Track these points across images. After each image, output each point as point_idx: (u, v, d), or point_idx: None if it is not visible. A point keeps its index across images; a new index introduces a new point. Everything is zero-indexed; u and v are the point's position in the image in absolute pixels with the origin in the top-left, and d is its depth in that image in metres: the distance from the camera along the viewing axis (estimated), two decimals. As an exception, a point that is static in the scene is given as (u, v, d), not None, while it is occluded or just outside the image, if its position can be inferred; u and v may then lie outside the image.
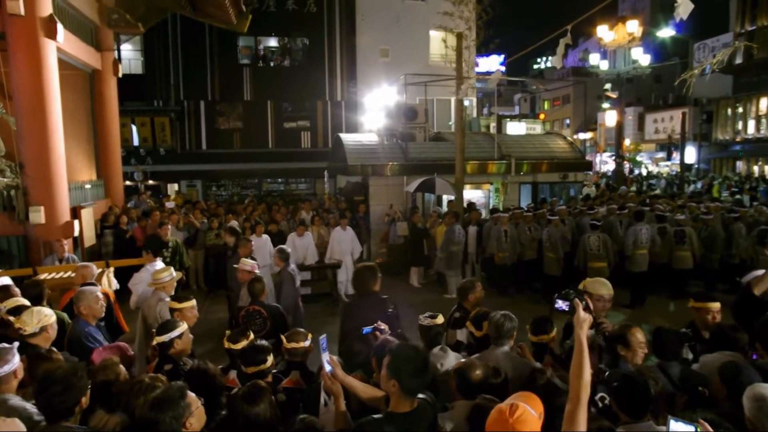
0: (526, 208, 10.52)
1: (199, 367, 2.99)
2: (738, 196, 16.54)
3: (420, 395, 2.35)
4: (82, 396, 2.49)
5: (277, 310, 4.87)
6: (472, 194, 12.82)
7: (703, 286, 8.69)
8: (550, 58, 58.94)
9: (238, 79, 20.80)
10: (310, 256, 9.01)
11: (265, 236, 8.61)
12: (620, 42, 16.40)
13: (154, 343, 3.44)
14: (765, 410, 2.14)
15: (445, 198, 12.11)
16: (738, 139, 31.90)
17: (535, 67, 65.85)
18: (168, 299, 4.43)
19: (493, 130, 15.14)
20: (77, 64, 10.31)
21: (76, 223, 8.16)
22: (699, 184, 25.05)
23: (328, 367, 2.54)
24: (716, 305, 3.83)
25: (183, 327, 3.47)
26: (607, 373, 2.91)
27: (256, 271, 5.33)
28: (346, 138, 13.67)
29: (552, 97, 50.22)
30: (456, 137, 11.23)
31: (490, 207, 12.64)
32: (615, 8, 45.25)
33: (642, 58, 16.92)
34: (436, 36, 20.07)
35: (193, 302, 4.07)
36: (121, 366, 2.95)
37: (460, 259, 9.53)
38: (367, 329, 3.41)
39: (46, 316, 3.42)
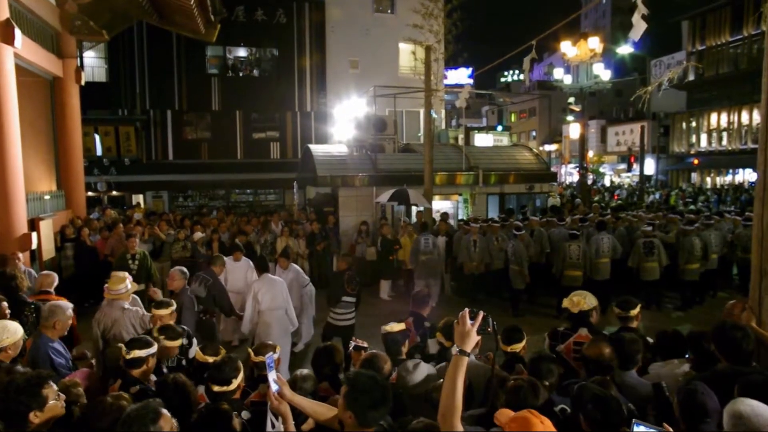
0: (496, 218, 10.68)
1: (175, 380, 2.80)
2: (692, 206, 17.27)
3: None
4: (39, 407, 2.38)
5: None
6: (441, 205, 12.96)
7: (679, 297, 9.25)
8: (516, 71, 60.66)
9: (206, 88, 20.51)
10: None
11: (245, 260, 7.60)
12: (582, 58, 16.97)
13: (130, 357, 3.20)
14: (739, 429, 2.12)
15: (414, 209, 12.21)
16: (692, 151, 33.40)
17: (502, 80, 67.45)
18: (126, 305, 4.51)
19: (461, 141, 15.39)
20: (37, 71, 10.00)
21: (34, 235, 7.86)
22: (657, 195, 26.03)
23: (274, 387, 2.42)
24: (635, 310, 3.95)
25: (155, 347, 3.35)
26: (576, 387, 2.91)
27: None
28: (316, 149, 13.65)
29: (519, 109, 51.45)
30: (425, 149, 11.37)
31: (458, 218, 12.80)
32: (578, 25, 46.97)
33: (603, 73, 17.52)
34: (405, 48, 20.34)
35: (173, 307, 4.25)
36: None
37: (429, 269, 9.51)
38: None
39: (12, 333, 3.29)
